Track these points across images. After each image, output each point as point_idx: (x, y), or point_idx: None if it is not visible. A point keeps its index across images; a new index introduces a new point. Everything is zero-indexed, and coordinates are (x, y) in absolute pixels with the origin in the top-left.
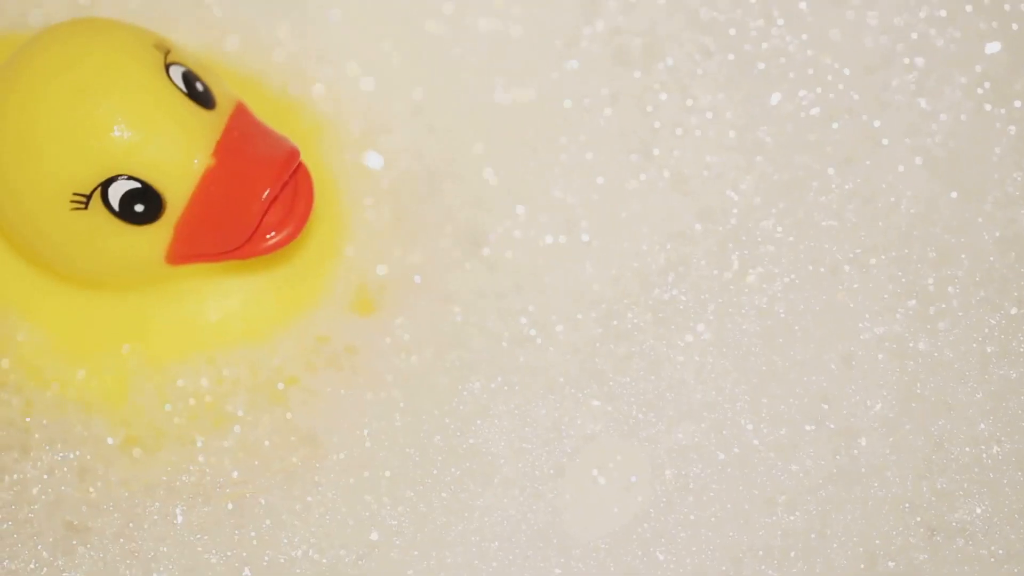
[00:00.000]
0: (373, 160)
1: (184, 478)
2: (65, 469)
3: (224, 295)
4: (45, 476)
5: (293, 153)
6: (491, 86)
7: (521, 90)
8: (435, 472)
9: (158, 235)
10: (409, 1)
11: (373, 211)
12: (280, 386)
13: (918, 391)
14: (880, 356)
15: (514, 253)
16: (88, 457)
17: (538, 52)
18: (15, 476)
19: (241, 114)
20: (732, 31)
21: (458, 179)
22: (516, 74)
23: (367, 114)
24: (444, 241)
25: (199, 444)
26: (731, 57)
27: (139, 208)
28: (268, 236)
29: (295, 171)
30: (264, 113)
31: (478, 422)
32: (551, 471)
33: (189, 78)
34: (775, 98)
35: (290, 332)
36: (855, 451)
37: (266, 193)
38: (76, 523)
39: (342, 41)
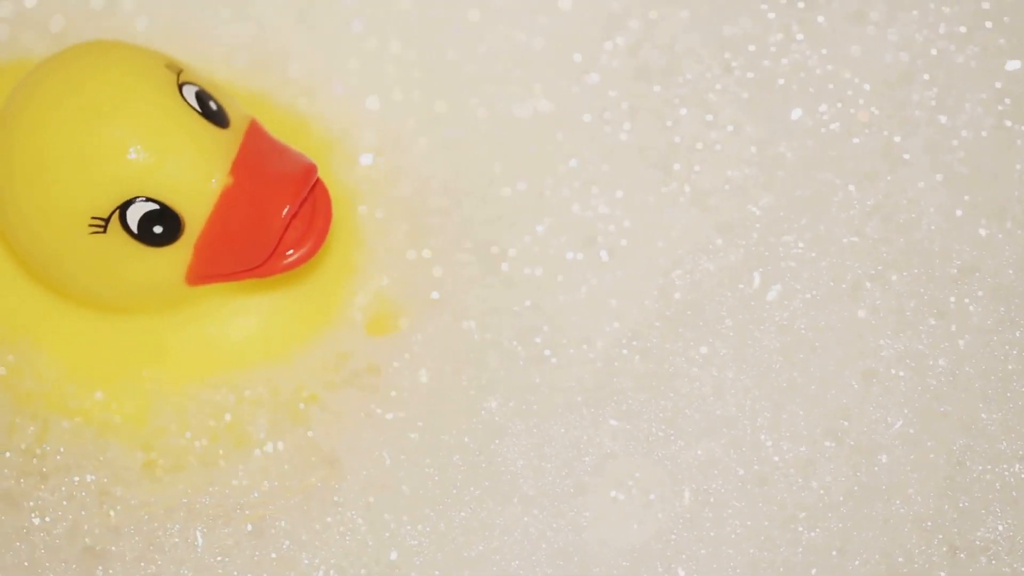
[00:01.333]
0: (389, 175)
1: (204, 500)
2: (84, 493)
3: (242, 315)
4: (64, 502)
5: (311, 169)
6: (511, 100)
7: (541, 104)
8: (454, 491)
9: (178, 256)
10: (429, 14)
11: (390, 227)
12: (301, 406)
13: (939, 409)
14: (901, 373)
15: (533, 270)
16: (106, 481)
17: (558, 66)
18: (33, 502)
19: (256, 132)
20: (752, 47)
21: (477, 194)
22: (536, 88)
23: (382, 128)
24: (462, 256)
25: (221, 465)
26: (751, 73)
27: (158, 229)
28: (288, 253)
29: (313, 187)
30: (276, 129)
31: (497, 441)
32: (571, 489)
33: (202, 97)
34: (795, 113)
35: (310, 350)
36: (876, 468)
37: (286, 210)
38: (97, 548)
39: (359, 54)
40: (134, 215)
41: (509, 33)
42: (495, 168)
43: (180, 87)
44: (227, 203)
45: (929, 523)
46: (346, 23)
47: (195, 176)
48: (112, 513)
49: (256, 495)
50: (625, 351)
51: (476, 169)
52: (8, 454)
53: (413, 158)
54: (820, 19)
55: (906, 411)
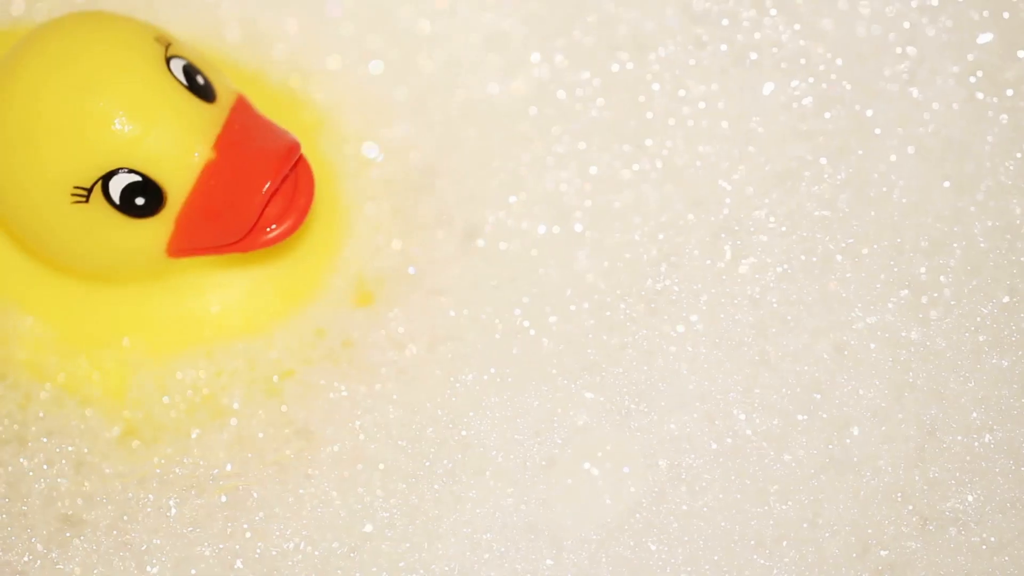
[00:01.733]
0: (371, 153)
1: (178, 471)
2: (63, 461)
3: (224, 288)
4: (44, 467)
5: (294, 146)
6: (485, 78)
7: (514, 82)
8: (427, 464)
9: (159, 228)
10: (404, 7)
11: (371, 204)
12: (276, 379)
13: (910, 380)
14: (872, 346)
15: (508, 244)
16: (84, 450)
17: (531, 43)
18: (11, 468)
19: (242, 107)
20: (724, 21)
21: (453, 171)
22: (509, 66)
23: (365, 108)
24: (439, 232)
25: (194, 436)
26: (723, 47)
27: (140, 201)
28: (269, 229)
29: (295, 164)
30: (264, 107)
31: (471, 414)
32: (543, 462)
33: (190, 71)
34: (767, 88)
35: (288, 325)
36: (847, 440)
37: (267, 186)
38: (71, 515)
39: (341, 35)
40: (116, 186)
41: (482, 13)
42: (471, 146)
43: (168, 60)
44: (209, 177)
45: (899, 494)
46: (323, 7)
47: (178, 149)
48: (87, 483)
49: (230, 467)
50: (599, 325)
51: (453, 147)
52: None
53: (392, 137)
54: None
55: (877, 383)
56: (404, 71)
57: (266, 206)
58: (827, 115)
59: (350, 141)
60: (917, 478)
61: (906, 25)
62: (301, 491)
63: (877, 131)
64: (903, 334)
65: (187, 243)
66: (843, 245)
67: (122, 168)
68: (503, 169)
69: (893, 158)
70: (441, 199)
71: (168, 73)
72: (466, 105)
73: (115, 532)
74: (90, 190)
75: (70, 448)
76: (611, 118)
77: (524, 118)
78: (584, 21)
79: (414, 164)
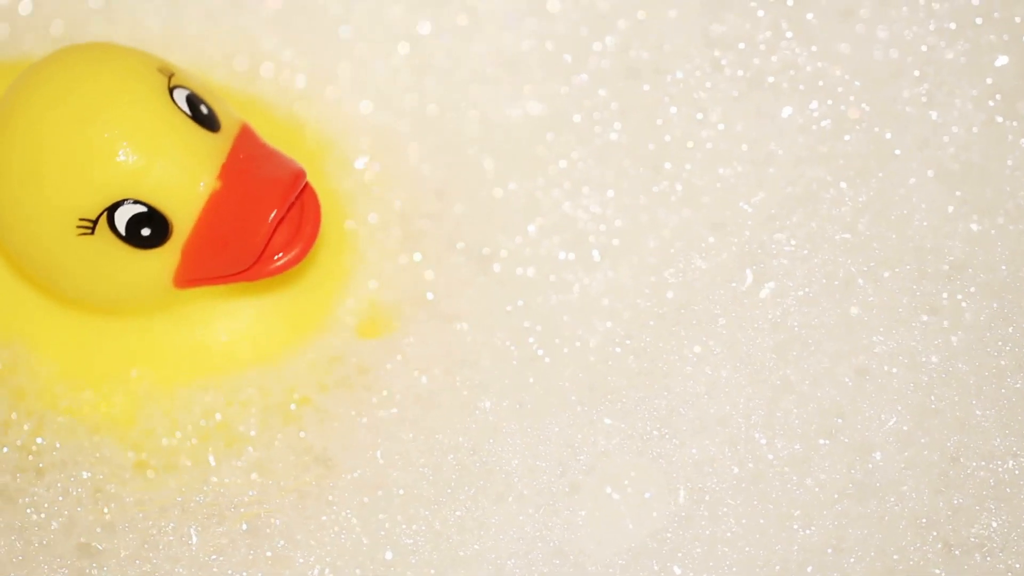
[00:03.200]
0: (382, 177)
1: (198, 499)
2: (79, 490)
3: (232, 318)
4: (60, 498)
5: (299, 174)
6: (501, 102)
7: (531, 105)
8: (449, 491)
9: (165, 259)
10: (419, 16)
11: (382, 230)
12: (292, 407)
13: (933, 405)
14: (894, 370)
15: (525, 270)
16: (101, 478)
17: (548, 67)
18: (28, 498)
19: (246, 136)
20: (741, 45)
21: (468, 196)
22: (526, 89)
23: (374, 132)
24: (454, 258)
25: (213, 464)
26: (741, 71)
27: (146, 232)
28: (276, 257)
29: (302, 191)
30: (269, 134)
31: (491, 440)
32: (565, 488)
33: (193, 101)
34: (786, 111)
35: (302, 353)
36: (870, 465)
37: (273, 214)
38: (91, 545)
39: (350, 58)
40: (122, 217)
41: (498, 35)
42: (486, 170)
43: (171, 91)
44: (215, 207)
45: (924, 520)
46: (335, 29)
47: (183, 179)
48: (106, 510)
49: (250, 494)
50: (619, 350)
51: (467, 171)
52: (5, 449)
53: (405, 161)
54: (809, 16)
55: (899, 408)
56: (418, 94)
57: (273, 234)
58: (846, 138)
59: (360, 166)
60: (941, 504)
61: (924, 48)
62: (323, 518)
63: (896, 153)
64: (924, 358)
65: (194, 273)
66: (864, 268)
67: (127, 199)
68: (519, 193)
69: (913, 181)
70: (456, 224)
71: (171, 103)
72: (481, 129)
73: (137, 561)
74: (95, 222)
75: (86, 475)
76: (629, 141)
77: (541, 141)
78: (601, 44)
79: (428, 188)
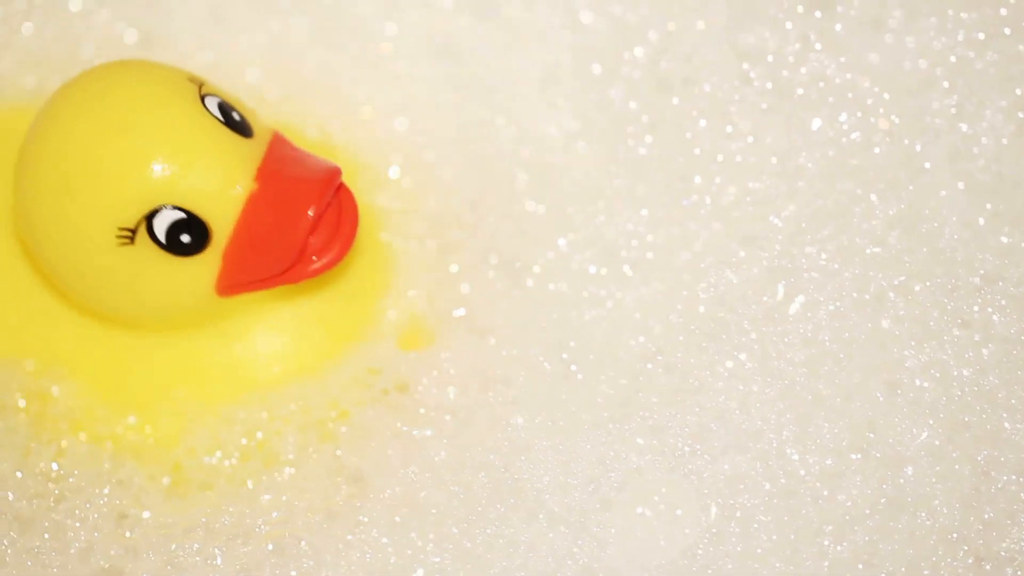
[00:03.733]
0: (416, 193)
1: (224, 519)
2: (96, 515)
3: (272, 332)
4: (78, 524)
5: (335, 171)
6: (534, 115)
7: (563, 119)
8: (480, 509)
9: (206, 265)
10: (452, 32)
11: (417, 243)
12: (330, 425)
13: (964, 419)
14: (925, 384)
15: (557, 285)
16: (122, 501)
17: (579, 80)
18: (47, 523)
19: (280, 141)
20: (770, 57)
21: (501, 210)
22: (558, 103)
23: (409, 147)
24: (489, 273)
25: (248, 484)
26: (769, 83)
27: (185, 239)
28: (317, 258)
29: (338, 191)
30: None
31: (523, 457)
32: (597, 505)
33: (225, 108)
34: (815, 123)
35: (340, 366)
36: (901, 480)
37: (311, 210)
38: (113, 568)
39: (386, 74)
40: (161, 224)
41: (530, 49)
42: (519, 184)
43: (202, 98)
44: (253, 208)
45: (955, 535)
46: (372, 45)
47: (220, 183)
48: (129, 533)
49: (276, 514)
50: (650, 365)
51: (501, 185)
52: (19, 474)
53: (439, 175)
54: (838, 27)
55: (931, 422)
56: (452, 110)
57: (312, 233)
58: (876, 150)
59: (394, 178)
60: (972, 518)
61: (953, 59)
62: (350, 537)
63: (927, 165)
64: (956, 372)
65: (236, 279)
66: (895, 282)
67: (165, 205)
68: (551, 208)
69: (943, 193)
70: (490, 238)
71: (204, 109)
72: (514, 143)
73: None
74: (135, 230)
75: (106, 499)
76: (659, 155)
77: (573, 155)
78: (631, 56)
79: (462, 202)
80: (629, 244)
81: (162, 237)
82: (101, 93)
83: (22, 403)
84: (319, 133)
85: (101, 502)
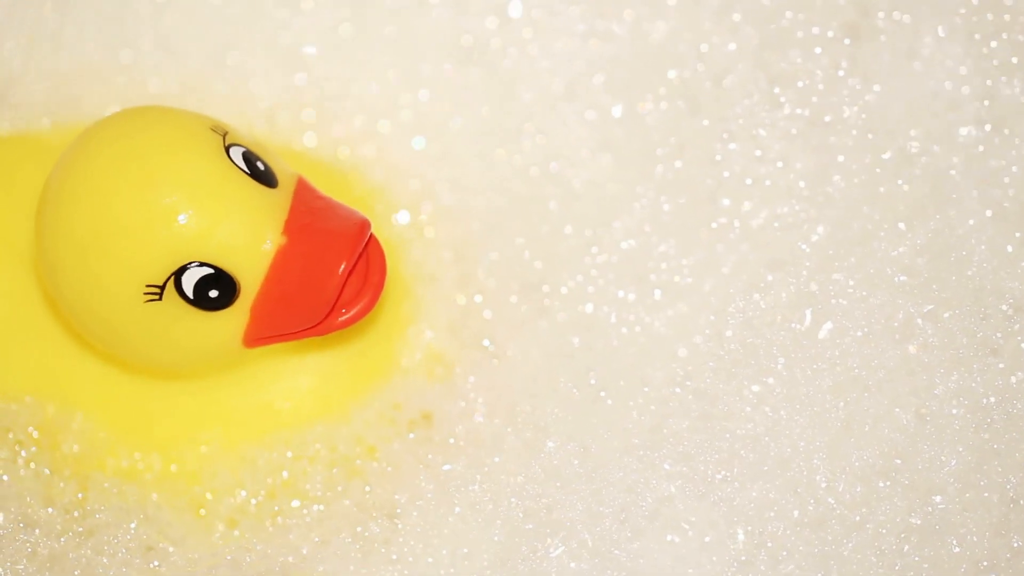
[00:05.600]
0: (437, 221)
1: (248, 558)
2: (124, 551)
3: (297, 373)
4: (105, 560)
5: (364, 224)
6: (561, 138)
7: (591, 141)
8: (515, 539)
9: (234, 319)
10: (472, 50)
11: (439, 273)
12: (358, 462)
13: (993, 447)
14: (954, 411)
15: (585, 310)
16: (149, 536)
17: (608, 102)
18: (75, 558)
19: (304, 189)
20: (801, 83)
21: (526, 235)
22: (586, 125)
23: (430, 175)
24: (513, 299)
25: (279, 521)
26: (800, 109)
27: (213, 294)
28: (345, 310)
29: (367, 242)
30: (319, 182)
31: (556, 484)
32: (628, 534)
33: (249, 158)
34: (843, 149)
35: (365, 403)
36: (930, 508)
37: (342, 267)
38: None
39: (404, 98)
40: (189, 280)
41: (558, 69)
42: (545, 208)
43: (227, 149)
44: (282, 263)
45: (985, 563)
46: (385, 71)
47: (248, 238)
48: (154, 564)
49: (306, 550)
50: (678, 390)
51: (526, 209)
52: (50, 510)
53: (461, 201)
54: (868, 54)
55: (960, 449)
56: (474, 133)
57: (343, 288)
58: (904, 177)
59: (411, 209)
60: (1001, 547)
61: (983, 86)
62: (385, 571)
63: (955, 195)
64: (984, 400)
65: (263, 332)
66: (924, 310)
67: (193, 262)
68: (578, 231)
69: (971, 222)
70: (514, 264)
71: (229, 162)
72: (539, 165)
73: None
74: (163, 287)
75: (133, 536)
76: (688, 177)
77: (601, 178)
78: (662, 79)
79: (486, 227)
80: (658, 267)
81: (190, 293)
82: (126, 146)
83: (44, 443)
84: (335, 152)
85: (128, 537)
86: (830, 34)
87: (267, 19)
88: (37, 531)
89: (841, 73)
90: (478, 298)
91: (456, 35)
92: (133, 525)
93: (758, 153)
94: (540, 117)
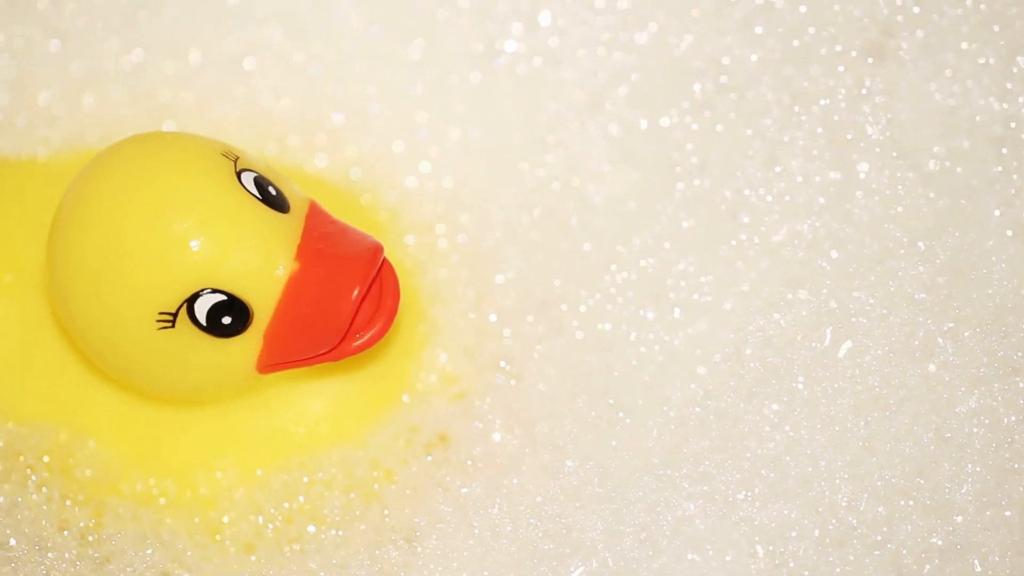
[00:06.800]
0: (452, 240)
1: None
2: (149, 572)
3: (311, 398)
4: None
5: (377, 249)
6: (580, 154)
7: (611, 156)
8: (534, 560)
9: (248, 345)
10: (490, 64)
11: (455, 292)
12: (376, 486)
13: (1014, 466)
14: (975, 430)
15: (603, 328)
16: (164, 563)
17: (628, 117)
18: None
19: (317, 214)
20: (822, 100)
21: (545, 253)
22: (606, 140)
23: (447, 194)
24: (530, 318)
25: (295, 548)
26: (820, 127)
27: (226, 320)
28: (359, 335)
29: (380, 266)
30: (332, 206)
31: (576, 504)
32: (649, 553)
33: (261, 183)
34: (863, 167)
35: (381, 427)
36: (951, 528)
37: (355, 293)
38: None
39: (420, 121)
40: (202, 307)
41: (581, 84)
42: (564, 225)
43: (238, 175)
44: (295, 289)
45: None
46: (405, 88)
47: (261, 265)
48: None
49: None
50: (698, 409)
51: (545, 227)
52: (66, 533)
53: (478, 220)
54: (889, 73)
55: (980, 469)
56: (491, 151)
57: (356, 313)
58: (924, 196)
59: (427, 230)
60: (1022, 566)
61: (1003, 107)
62: None
63: (976, 214)
64: (1006, 419)
65: (277, 358)
66: (944, 328)
67: (206, 289)
68: (598, 249)
69: (992, 241)
70: (532, 282)
71: (240, 188)
72: (559, 182)
73: None
74: (175, 315)
75: (148, 562)
76: (708, 194)
77: (621, 194)
78: (683, 95)
79: (503, 245)
80: (678, 285)
81: (203, 320)
82: (138, 173)
83: (56, 467)
84: (346, 173)
85: (144, 565)
86: (853, 53)
87: (278, 39)
88: (51, 555)
89: (864, 91)
90: (493, 317)
91: (476, 47)
92: (149, 552)
93: (778, 170)
94: (560, 136)
